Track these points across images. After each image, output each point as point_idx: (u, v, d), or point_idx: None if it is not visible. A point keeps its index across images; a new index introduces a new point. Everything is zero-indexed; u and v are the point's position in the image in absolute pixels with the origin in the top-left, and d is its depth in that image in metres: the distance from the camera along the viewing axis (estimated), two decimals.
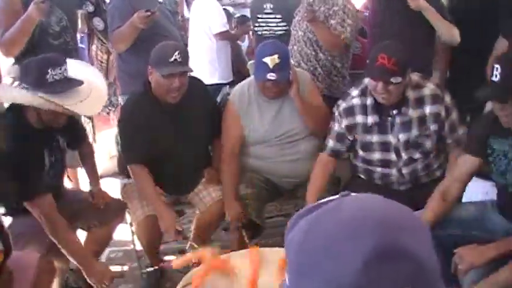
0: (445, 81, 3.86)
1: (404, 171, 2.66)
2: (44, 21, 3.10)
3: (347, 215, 0.76)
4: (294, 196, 3.08)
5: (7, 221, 2.53)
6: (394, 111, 2.56)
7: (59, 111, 2.33)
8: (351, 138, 2.71)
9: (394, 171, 2.66)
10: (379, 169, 2.70)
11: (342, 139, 2.73)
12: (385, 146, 2.64)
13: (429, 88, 2.56)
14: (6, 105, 2.54)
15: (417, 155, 2.62)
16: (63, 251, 2.40)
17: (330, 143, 2.76)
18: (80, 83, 2.42)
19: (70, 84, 2.38)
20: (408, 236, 0.74)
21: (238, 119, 2.95)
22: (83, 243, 2.82)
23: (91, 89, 2.45)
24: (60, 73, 2.33)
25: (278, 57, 2.71)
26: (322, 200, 0.84)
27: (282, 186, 3.02)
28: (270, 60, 2.71)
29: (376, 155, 2.67)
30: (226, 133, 2.97)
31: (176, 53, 2.65)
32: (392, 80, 2.38)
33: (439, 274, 0.76)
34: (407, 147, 2.60)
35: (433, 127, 2.57)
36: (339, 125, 2.72)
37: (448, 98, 2.58)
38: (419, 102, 2.55)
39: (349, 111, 2.67)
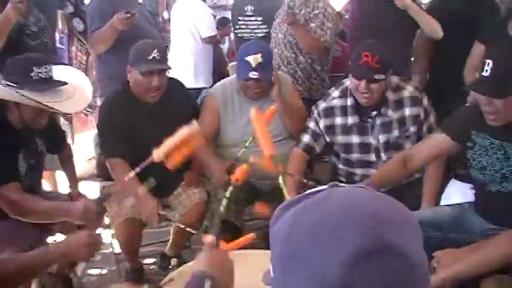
0: (425, 83, 3.91)
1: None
2: (22, 21, 3.06)
3: (335, 206, 0.75)
4: (273, 198, 3.07)
5: None
6: (374, 113, 2.59)
7: (40, 108, 2.32)
8: (328, 140, 2.72)
9: (373, 171, 2.67)
10: (358, 170, 2.71)
11: (317, 138, 2.75)
12: (365, 147, 2.66)
13: (408, 90, 2.60)
14: None
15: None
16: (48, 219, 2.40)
17: (305, 138, 2.78)
18: (64, 83, 2.42)
19: (54, 83, 2.39)
20: (396, 230, 0.73)
21: (217, 113, 2.94)
22: None
23: (74, 89, 2.45)
24: (45, 72, 2.34)
25: (261, 57, 2.72)
26: (310, 191, 0.83)
27: (261, 188, 3.01)
28: (253, 59, 2.71)
29: (356, 156, 2.69)
30: (202, 121, 2.90)
31: (155, 50, 2.65)
32: (376, 77, 2.42)
33: (427, 270, 0.76)
34: (387, 149, 2.62)
35: (412, 129, 2.61)
36: (315, 124, 2.74)
37: (426, 101, 2.62)
38: (399, 103, 2.58)
39: (329, 112, 2.69)
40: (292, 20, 3.32)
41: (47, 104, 2.29)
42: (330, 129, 2.70)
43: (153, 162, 2.69)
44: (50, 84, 2.38)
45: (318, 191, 0.81)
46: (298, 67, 3.54)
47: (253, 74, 2.72)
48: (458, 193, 2.66)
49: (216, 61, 4.79)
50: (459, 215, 2.38)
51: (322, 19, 3.41)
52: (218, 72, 4.80)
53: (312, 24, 3.40)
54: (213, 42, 4.63)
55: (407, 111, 2.58)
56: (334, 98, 2.69)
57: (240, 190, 2.84)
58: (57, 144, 2.83)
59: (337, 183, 0.83)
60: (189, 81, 4.22)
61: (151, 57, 2.63)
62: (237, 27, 4.18)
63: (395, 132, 2.60)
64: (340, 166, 2.79)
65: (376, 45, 2.51)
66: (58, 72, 2.50)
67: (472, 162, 2.24)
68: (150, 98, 2.70)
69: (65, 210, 2.38)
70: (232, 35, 4.77)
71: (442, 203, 2.68)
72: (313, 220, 0.74)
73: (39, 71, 2.31)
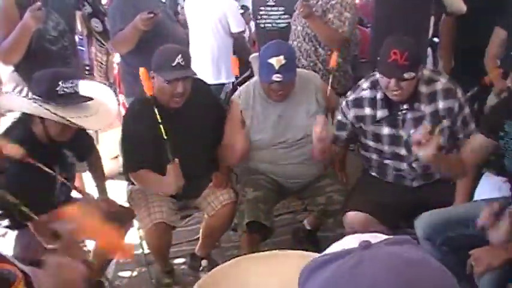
0: (449, 70, 3.84)
1: (416, 165, 2.61)
2: (41, 27, 3.04)
3: (367, 282, 0.71)
4: (301, 197, 3.06)
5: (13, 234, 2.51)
6: (405, 106, 2.52)
7: (64, 123, 2.31)
8: (357, 126, 2.68)
9: (404, 165, 2.63)
10: (390, 162, 2.67)
11: (343, 127, 2.73)
12: (395, 140, 2.60)
13: (442, 82, 2.52)
14: (16, 114, 2.54)
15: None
16: None
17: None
18: (89, 98, 2.42)
19: (79, 98, 2.40)
20: None
21: (241, 114, 2.89)
22: (92, 252, 2.82)
23: (99, 105, 2.45)
24: (70, 87, 2.34)
25: (284, 58, 2.66)
26: (339, 250, 0.77)
27: (289, 187, 2.98)
28: (276, 61, 2.66)
29: (386, 148, 2.64)
30: (229, 130, 2.91)
31: (179, 56, 2.61)
32: (406, 75, 2.35)
33: None
34: None
35: (446, 122, 2.53)
36: (343, 116, 2.71)
37: (460, 93, 2.53)
38: (432, 97, 2.51)
39: (358, 103, 2.64)
40: (307, 12, 3.25)
41: (71, 119, 2.28)
42: (360, 118, 2.65)
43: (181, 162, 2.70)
44: (75, 99, 2.37)
45: (348, 252, 0.76)
46: (318, 60, 3.46)
47: (276, 77, 2.66)
48: (492, 187, 2.60)
49: (238, 51, 4.67)
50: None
51: (340, 9, 3.33)
52: (242, 62, 4.69)
53: (330, 15, 3.32)
54: (241, 37, 4.54)
55: (441, 105, 2.51)
56: (363, 89, 2.63)
57: (268, 190, 2.85)
58: (85, 151, 2.81)
59: (368, 241, 0.77)
60: (211, 77, 4.18)
61: (175, 63, 2.59)
62: (259, 17, 4.10)
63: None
64: (373, 156, 2.73)
65: (404, 41, 2.42)
66: (85, 87, 2.50)
67: (505, 151, 2.22)
68: (174, 104, 2.68)
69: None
70: (252, 24, 4.66)
71: (476, 197, 2.63)
72: None
73: (64, 85, 2.31)
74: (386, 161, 2.68)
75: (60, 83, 2.30)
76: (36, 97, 2.30)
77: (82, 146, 2.73)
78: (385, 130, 2.60)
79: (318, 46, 3.44)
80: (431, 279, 0.73)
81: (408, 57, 2.32)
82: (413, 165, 2.61)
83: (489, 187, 2.61)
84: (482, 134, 2.32)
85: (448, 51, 3.76)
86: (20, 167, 2.28)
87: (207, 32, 4.24)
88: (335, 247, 0.81)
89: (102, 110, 2.46)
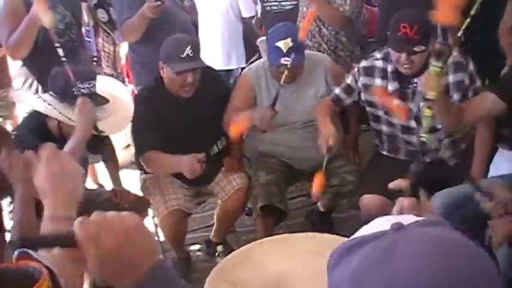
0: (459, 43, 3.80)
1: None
2: None
3: (401, 271, 0.67)
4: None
5: None
6: (416, 79, 2.50)
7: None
8: (362, 97, 2.69)
9: (414, 138, 2.62)
10: (401, 135, 2.67)
11: (350, 92, 2.73)
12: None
13: (452, 56, 2.49)
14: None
15: (439, 124, 2.57)
16: None
17: (336, 90, 2.78)
18: (106, 101, 2.43)
19: (95, 100, 2.38)
20: None
21: (253, 91, 2.90)
22: None
23: (114, 109, 2.46)
24: (87, 87, 2.34)
25: (291, 40, 2.65)
26: (369, 233, 0.74)
27: (301, 170, 2.98)
28: (283, 44, 2.65)
29: (396, 120, 2.64)
30: (235, 101, 2.89)
31: (188, 48, 2.61)
32: (416, 49, 2.34)
33: None
34: None
35: (456, 96, 2.51)
36: (353, 79, 2.71)
37: (471, 66, 2.50)
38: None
39: (369, 71, 2.64)
40: None
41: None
42: (367, 88, 2.65)
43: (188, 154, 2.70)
44: (92, 100, 2.35)
45: (380, 235, 0.73)
46: (322, 40, 3.43)
47: (285, 60, 2.66)
48: (507, 162, 2.58)
49: (246, 36, 4.61)
50: (510, 186, 2.31)
51: None
52: (249, 46, 4.64)
53: None
54: (249, 21, 4.47)
55: (451, 78, 2.48)
56: (376, 59, 2.63)
57: (281, 173, 2.85)
58: (98, 144, 2.80)
59: (400, 223, 0.73)
60: (221, 62, 4.15)
61: (184, 55, 2.59)
62: (265, 0, 4.06)
63: None
64: (384, 130, 2.73)
65: (414, 14, 2.39)
66: (102, 85, 2.51)
67: None
68: (184, 93, 2.69)
69: None
70: (258, 7, 4.58)
71: (491, 173, 2.61)
72: (376, 284, 0.68)
73: (81, 86, 2.31)
74: (398, 134, 2.69)
75: (77, 83, 2.30)
76: (52, 94, 2.31)
77: (95, 139, 2.73)
78: (395, 102, 2.58)
79: (322, 26, 3.41)
80: (471, 261, 0.70)
81: (418, 31, 2.30)
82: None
83: (504, 162, 2.59)
84: (497, 95, 2.26)
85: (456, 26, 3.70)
86: None
87: (217, 17, 4.16)
88: (364, 230, 0.78)
89: (119, 113, 2.47)
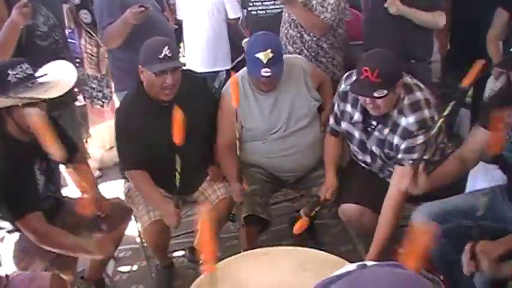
0: (445, 53, 3.84)
1: (384, 169, 2.68)
2: (31, 23, 2.99)
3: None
4: (297, 188, 3.08)
5: (15, 237, 2.50)
6: (374, 123, 2.53)
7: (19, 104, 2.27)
8: (341, 123, 2.71)
9: (375, 167, 2.70)
10: (360, 157, 2.73)
11: (339, 120, 2.73)
12: (362, 146, 2.64)
13: (407, 121, 2.40)
14: None
15: (392, 167, 2.58)
16: (69, 253, 2.43)
17: (331, 120, 2.79)
18: (44, 75, 2.39)
19: (35, 78, 2.36)
20: None
21: (234, 114, 2.87)
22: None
23: (59, 80, 2.42)
24: (21, 71, 2.30)
25: (271, 52, 2.64)
26: (342, 271, 0.94)
27: (285, 180, 2.99)
28: (263, 56, 2.64)
29: (355, 148, 2.70)
30: (221, 126, 2.90)
31: (165, 48, 2.58)
32: (376, 94, 2.28)
33: None
34: (381, 159, 2.60)
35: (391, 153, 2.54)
36: (336, 106, 2.72)
37: (421, 138, 2.39)
38: (395, 128, 2.45)
39: (344, 97, 2.64)
40: None
41: (31, 96, 2.26)
42: (342, 113, 2.68)
43: (172, 162, 2.70)
44: (30, 79, 2.33)
45: (348, 273, 0.95)
46: (304, 46, 3.41)
47: (265, 72, 2.66)
48: (484, 175, 2.61)
49: (232, 36, 4.57)
50: (490, 202, 2.33)
51: None
52: (235, 47, 4.60)
53: (314, 1, 3.26)
54: (235, 24, 4.42)
55: (395, 140, 2.46)
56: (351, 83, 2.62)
57: (265, 182, 2.85)
58: (69, 151, 2.64)
59: (365, 263, 0.98)
60: (207, 64, 4.13)
61: (162, 55, 2.56)
62: (250, 4, 4.03)
63: (386, 151, 2.54)
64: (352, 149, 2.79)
65: (376, 56, 2.35)
66: (44, 69, 2.49)
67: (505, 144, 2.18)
68: (164, 97, 2.65)
69: (85, 249, 2.44)
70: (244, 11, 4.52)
71: (469, 185, 2.64)
72: None
73: (14, 72, 2.27)
74: (359, 158, 2.74)
75: (9, 71, 2.26)
76: None
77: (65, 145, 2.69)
78: (356, 134, 2.63)
79: (303, 32, 3.38)
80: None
81: (379, 74, 2.25)
82: (383, 169, 2.69)
83: (482, 176, 2.63)
84: (484, 127, 2.27)
85: (443, 33, 3.72)
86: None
87: (202, 19, 4.13)
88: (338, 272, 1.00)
89: (61, 81, 2.42)
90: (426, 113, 2.39)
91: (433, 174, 2.36)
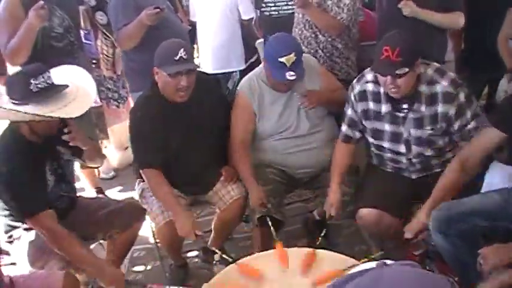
0: (459, 52, 3.81)
1: (415, 161, 2.64)
2: (47, 24, 3.04)
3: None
4: (311, 187, 3.07)
5: (31, 235, 2.53)
6: (405, 106, 2.51)
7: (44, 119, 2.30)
8: (364, 124, 2.68)
9: (404, 159, 2.66)
10: (389, 156, 2.69)
11: (353, 125, 2.73)
12: (395, 137, 2.61)
13: (442, 85, 2.45)
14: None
15: (429, 152, 2.59)
16: (75, 263, 2.43)
17: (343, 127, 2.77)
18: (65, 86, 2.40)
19: (56, 89, 2.37)
20: None
21: (251, 111, 2.90)
22: (106, 250, 2.84)
23: (78, 89, 2.44)
24: (43, 81, 2.32)
25: (294, 55, 2.69)
26: (358, 269, 0.90)
27: (299, 178, 2.99)
28: (287, 60, 2.68)
29: (386, 144, 2.65)
30: (237, 123, 2.91)
31: (181, 50, 2.59)
32: (398, 72, 2.31)
33: None
34: (419, 143, 2.56)
35: (443, 125, 2.51)
36: (351, 109, 2.70)
37: (462, 96, 2.45)
38: (432, 99, 2.46)
39: (362, 96, 2.63)
40: (302, 3, 3.19)
41: (50, 114, 2.26)
42: (365, 113, 2.65)
43: (186, 162, 2.70)
44: (51, 91, 2.34)
45: (368, 270, 0.90)
46: (318, 47, 3.40)
47: (290, 75, 2.69)
48: (501, 176, 2.59)
49: (245, 37, 4.57)
50: (507, 202, 2.31)
51: None
52: (248, 47, 4.60)
53: (329, 2, 3.26)
54: (248, 23, 4.42)
55: (440, 108, 2.47)
56: (367, 82, 2.61)
57: (278, 183, 2.85)
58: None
59: (385, 261, 0.93)
60: (221, 66, 4.14)
61: (177, 57, 2.57)
62: (263, 5, 4.03)
63: (428, 129, 2.51)
64: (372, 149, 2.76)
65: (397, 36, 2.37)
66: (59, 73, 2.49)
67: None
68: (179, 98, 2.67)
69: (97, 268, 2.44)
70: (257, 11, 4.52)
71: (485, 186, 2.62)
72: None
73: (36, 82, 2.28)
74: (386, 155, 2.70)
75: (31, 81, 2.27)
76: (15, 101, 2.28)
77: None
78: (387, 126, 2.60)
79: (318, 33, 3.38)
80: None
81: (400, 53, 2.28)
82: (413, 160, 2.64)
83: (499, 176, 2.60)
84: (497, 127, 2.25)
85: (457, 33, 3.70)
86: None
87: (216, 20, 4.14)
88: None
89: (81, 94, 2.43)
90: (451, 74, 2.51)
91: (437, 193, 2.43)
